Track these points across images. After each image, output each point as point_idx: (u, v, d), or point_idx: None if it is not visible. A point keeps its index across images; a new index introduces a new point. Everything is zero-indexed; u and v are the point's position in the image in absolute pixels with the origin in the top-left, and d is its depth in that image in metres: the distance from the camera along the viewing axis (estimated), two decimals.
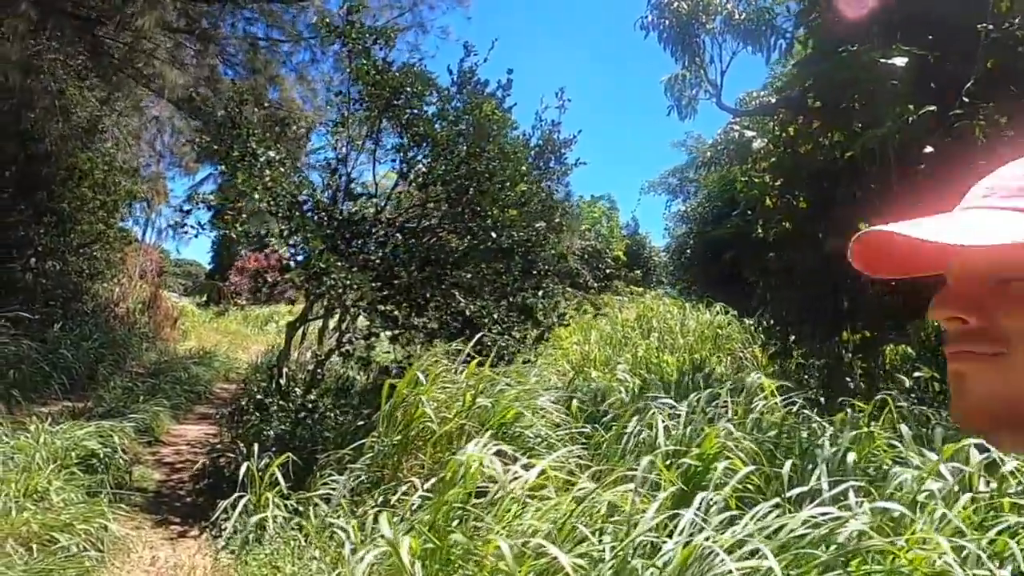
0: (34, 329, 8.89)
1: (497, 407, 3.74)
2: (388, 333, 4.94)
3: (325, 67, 10.51)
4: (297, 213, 4.76)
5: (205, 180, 32.27)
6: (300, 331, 6.93)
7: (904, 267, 0.60)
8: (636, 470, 3.38)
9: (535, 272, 5.26)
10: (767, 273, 8.80)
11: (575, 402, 4.00)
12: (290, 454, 4.12)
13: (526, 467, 3.12)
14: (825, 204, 7.61)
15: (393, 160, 5.71)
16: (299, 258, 5.62)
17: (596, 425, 3.86)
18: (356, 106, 5.91)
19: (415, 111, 5.35)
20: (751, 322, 11.20)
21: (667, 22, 7.40)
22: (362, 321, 7.84)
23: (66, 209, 11.27)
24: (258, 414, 6.41)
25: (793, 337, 7.89)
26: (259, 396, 6.80)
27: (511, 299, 5.25)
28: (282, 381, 6.76)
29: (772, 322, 8.55)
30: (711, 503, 2.52)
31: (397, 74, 5.24)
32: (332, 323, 7.32)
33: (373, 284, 4.56)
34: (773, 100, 9.92)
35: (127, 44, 10.64)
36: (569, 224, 6.43)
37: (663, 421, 3.47)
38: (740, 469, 2.65)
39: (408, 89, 5.28)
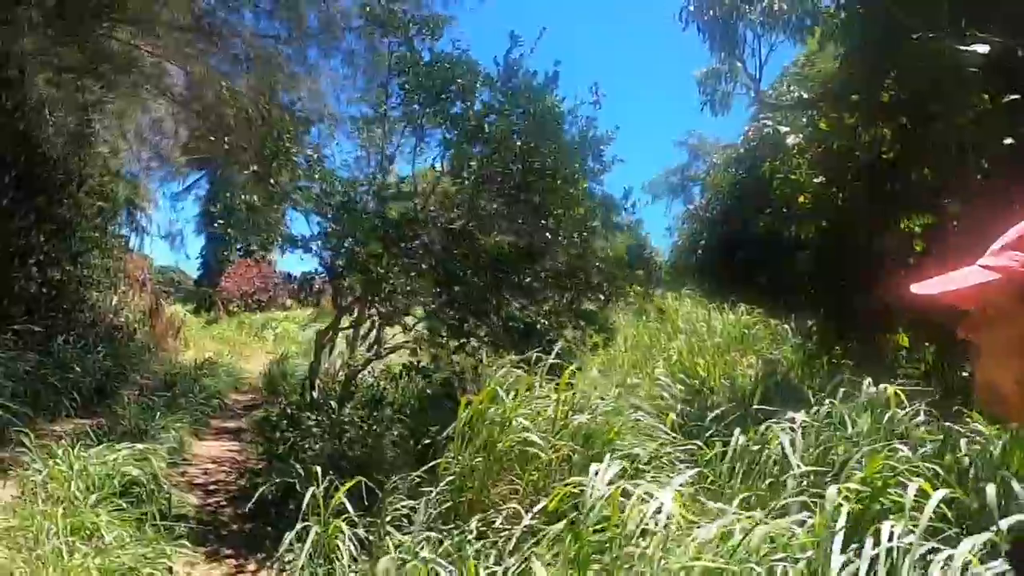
0: (38, 342, 8.43)
1: (596, 423, 3.42)
2: (453, 342, 4.59)
3: (335, 63, 10.13)
4: (346, 214, 4.40)
5: (195, 184, 31.62)
6: (331, 340, 6.56)
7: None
8: (763, 493, 3.06)
9: (596, 274, 4.93)
10: (813, 273, 8.56)
11: (672, 415, 3.68)
12: (362, 478, 3.75)
13: (647, 493, 2.79)
14: (872, 201, 7.37)
15: (439, 156, 5.36)
16: (338, 263, 5.24)
17: (701, 442, 3.54)
18: (395, 100, 5.56)
19: (466, 104, 5.01)
20: (778, 322, 10.98)
21: (711, 12, 7.12)
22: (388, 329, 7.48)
23: (65, 215, 10.79)
24: (292, 430, 6.04)
25: (843, 339, 7.63)
26: (290, 410, 6.42)
27: (573, 304, 4.93)
28: (315, 394, 6.38)
29: (817, 323, 8.30)
30: (899, 535, 2.21)
31: (447, 65, 4.90)
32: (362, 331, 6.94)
33: (435, 290, 4.21)
34: (799, 94, 9.68)
35: (127, 42, 10.18)
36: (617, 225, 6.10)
37: (786, 436, 3.17)
38: (927, 495, 2.34)
39: (460, 81, 4.95)
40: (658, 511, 2.49)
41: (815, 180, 8.39)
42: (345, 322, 6.74)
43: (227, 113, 8.79)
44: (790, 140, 8.54)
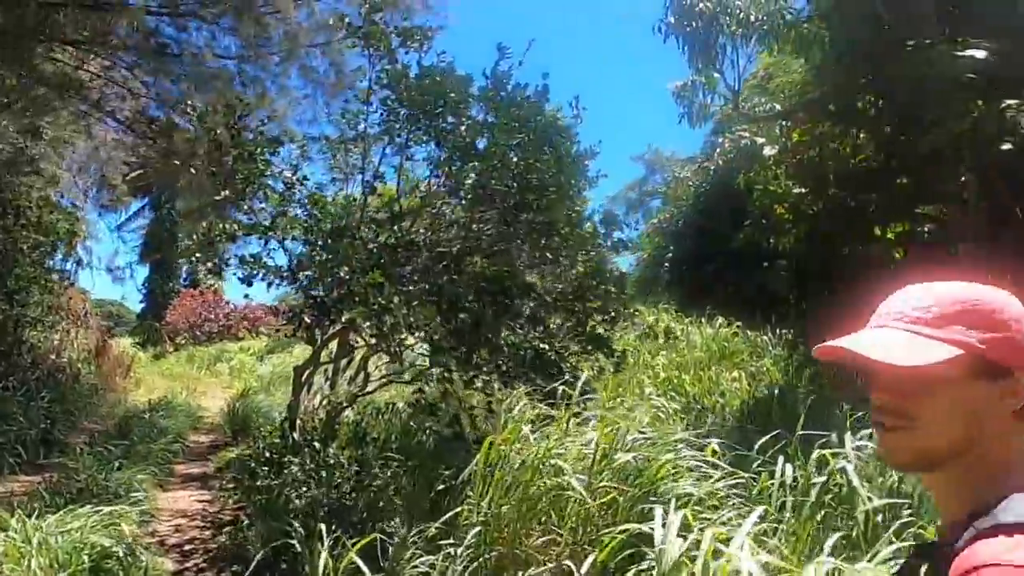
0: None
1: (640, 461, 3.11)
2: (461, 375, 4.21)
3: (289, 83, 9.68)
4: (344, 240, 4.01)
5: (137, 214, 30.26)
6: (311, 375, 6.10)
7: (850, 359, 0.88)
8: (845, 532, 2.81)
9: (605, 295, 4.66)
10: (796, 283, 8.52)
11: (714, 446, 3.41)
12: (377, 534, 3.35)
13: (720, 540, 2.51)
14: (853, 209, 7.36)
15: (428, 175, 5.03)
16: (318, 293, 4.81)
17: (750, 474, 3.28)
18: (375, 117, 5.22)
19: (457, 120, 4.71)
20: (756, 334, 10.93)
21: (692, 24, 7.03)
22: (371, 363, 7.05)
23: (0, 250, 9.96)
24: (273, 476, 5.55)
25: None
26: (269, 453, 5.92)
27: (579, 328, 4.64)
28: (295, 435, 5.89)
29: (800, 334, 8.24)
30: None
31: (437, 79, 4.59)
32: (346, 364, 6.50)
33: (436, 319, 3.86)
34: (771, 105, 9.73)
35: (68, 63, 9.52)
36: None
37: (849, 465, 2.94)
38: None
39: (451, 96, 4.64)
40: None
41: (794, 190, 8.38)
42: (323, 354, 6.28)
43: (189, 135, 8.26)
44: (767, 151, 8.51)
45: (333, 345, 6.41)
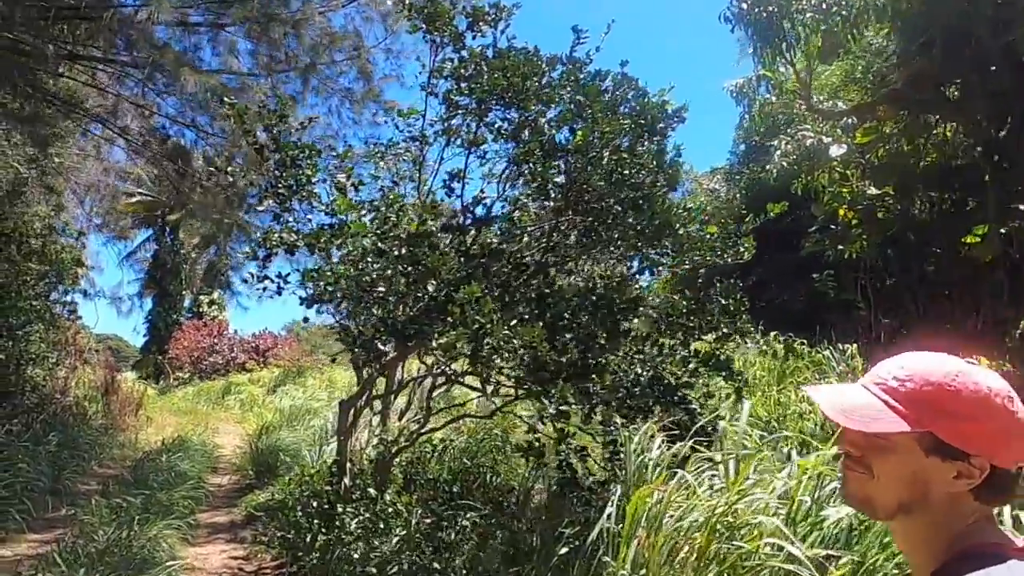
0: None
1: (851, 518, 2.38)
2: (576, 408, 3.47)
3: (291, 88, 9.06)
4: (424, 247, 3.30)
5: (140, 247, 29.64)
6: (361, 411, 5.36)
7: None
8: None
9: (719, 307, 3.94)
10: (874, 291, 7.82)
11: None
12: None
13: None
14: (952, 207, 6.70)
15: (503, 175, 4.34)
16: (391, 311, 4.05)
17: None
18: (437, 111, 4.58)
19: (541, 108, 4.05)
20: (814, 350, 10.20)
21: (762, 11, 6.42)
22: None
23: (2, 282, 9.26)
24: (325, 529, 4.79)
25: None
26: (316, 502, 5.17)
27: (687, 348, 3.92)
28: (347, 481, 5.14)
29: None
30: None
31: (517, 62, 3.94)
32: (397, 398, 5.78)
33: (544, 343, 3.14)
34: (832, 102, 9.09)
35: (76, 79, 8.91)
36: None
37: None
38: None
39: (533, 81, 3.99)
40: None
41: (868, 191, 7.71)
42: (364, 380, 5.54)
43: (201, 155, 7.62)
44: (834, 151, 7.86)
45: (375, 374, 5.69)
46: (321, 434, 9.05)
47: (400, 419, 5.75)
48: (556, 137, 4.26)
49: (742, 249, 4.05)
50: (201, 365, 25.41)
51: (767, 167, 8.42)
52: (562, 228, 4.14)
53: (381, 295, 3.44)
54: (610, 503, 2.95)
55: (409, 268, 3.27)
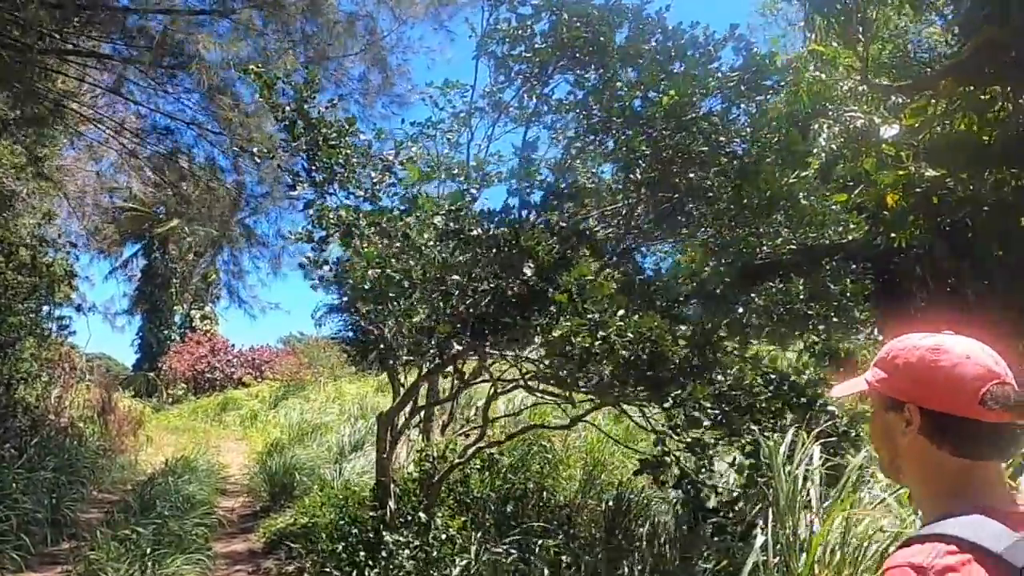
0: None
1: None
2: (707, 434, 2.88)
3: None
4: (508, 225, 2.74)
5: (132, 259, 28.81)
6: (405, 425, 4.78)
7: None
8: None
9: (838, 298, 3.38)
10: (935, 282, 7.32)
11: None
12: None
13: None
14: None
15: (581, 144, 3.78)
16: (471, 304, 3.46)
17: None
18: (490, 80, 4.05)
19: (621, 67, 3.51)
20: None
21: None
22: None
23: None
24: (370, 562, 4.20)
25: None
26: (358, 529, 4.57)
27: (807, 339, 3.38)
28: (392, 504, 4.55)
29: None
30: None
31: (604, 9, 3.40)
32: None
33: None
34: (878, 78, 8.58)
35: (72, 76, 8.30)
36: None
37: None
38: None
39: (625, 32, 3.45)
40: None
41: (927, 173, 7.20)
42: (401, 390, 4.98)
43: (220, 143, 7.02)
44: (885, 132, 7.36)
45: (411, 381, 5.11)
46: (338, 451, 8.43)
47: (441, 432, 5.16)
48: (635, 103, 3.70)
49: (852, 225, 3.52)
50: (198, 381, 24.62)
51: (812, 150, 7.91)
52: (645, 204, 3.59)
53: (457, 284, 2.86)
54: (759, 529, 2.39)
55: (494, 250, 2.70)
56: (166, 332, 29.03)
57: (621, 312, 2.57)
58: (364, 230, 2.89)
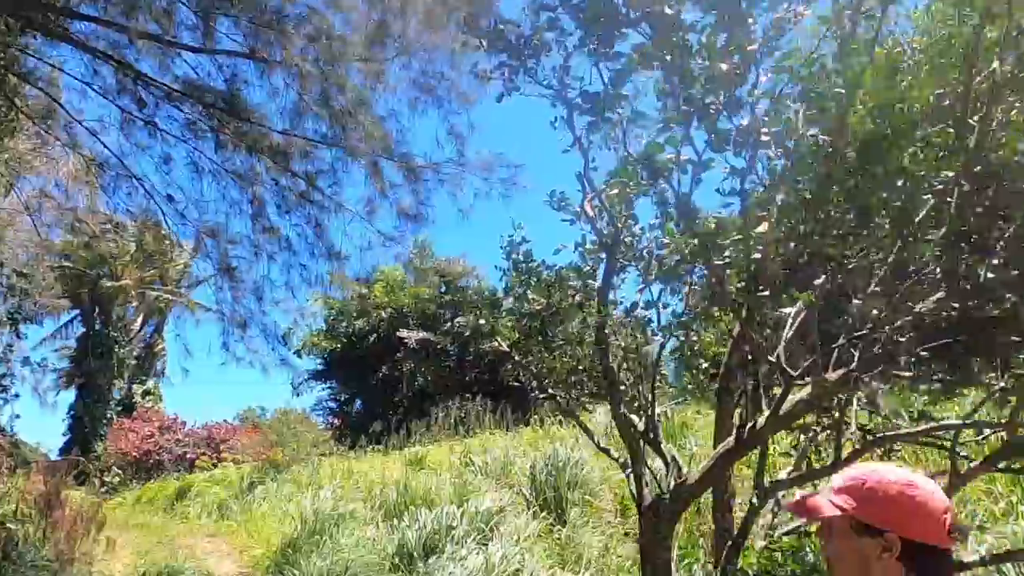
0: None
1: None
2: None
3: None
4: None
5: (69, 324, 25.39)
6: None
7: None
8: None
9: None
10: None
11: None
12: None
13: None
14: None
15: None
16: None
17: None
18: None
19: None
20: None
21: None
22: None
23: None
24: None
25: None
26: None
27: None
28: None
29: None
30: None
31: None
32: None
33: None
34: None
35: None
36: None
37: None
38: None
39: None
40: None
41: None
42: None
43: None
44: None
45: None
46: (394, 551, 6.27)
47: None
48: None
49: None
50: (144, 464, 21.27)
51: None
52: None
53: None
54: None
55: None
56: (101, 409, 25.53)
57: None
58: None
